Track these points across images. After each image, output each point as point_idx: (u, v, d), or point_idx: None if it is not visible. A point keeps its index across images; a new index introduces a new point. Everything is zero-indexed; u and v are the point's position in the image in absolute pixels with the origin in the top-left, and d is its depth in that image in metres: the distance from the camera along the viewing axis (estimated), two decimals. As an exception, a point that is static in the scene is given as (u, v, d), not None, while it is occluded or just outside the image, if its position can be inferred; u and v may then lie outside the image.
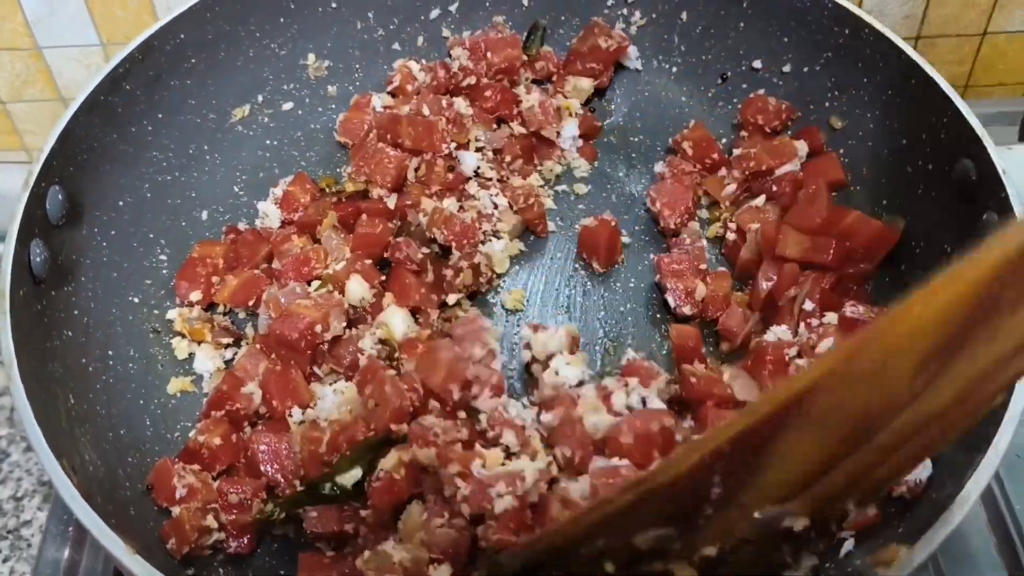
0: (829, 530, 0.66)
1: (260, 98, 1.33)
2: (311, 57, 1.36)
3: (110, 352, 1.11)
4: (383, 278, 1.17)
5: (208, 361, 1.15)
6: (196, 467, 1.03)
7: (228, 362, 1.16)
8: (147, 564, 0.81)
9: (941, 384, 0.56)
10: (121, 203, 1.18)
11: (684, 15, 1.34)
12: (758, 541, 0.65)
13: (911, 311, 0.56)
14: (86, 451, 0.99)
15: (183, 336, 1.17)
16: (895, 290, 1.14)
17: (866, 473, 0.62)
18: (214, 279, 1.20)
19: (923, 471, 0.95)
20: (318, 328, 1.07)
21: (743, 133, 1.31)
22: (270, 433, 1.05)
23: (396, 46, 1.39)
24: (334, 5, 1.34)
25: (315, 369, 1.11)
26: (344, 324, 1.11)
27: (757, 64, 1.31)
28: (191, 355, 1.16)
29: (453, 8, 1.39)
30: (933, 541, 0.82)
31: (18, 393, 0.90)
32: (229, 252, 1.21)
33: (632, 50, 1.37)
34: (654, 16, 1.36)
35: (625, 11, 1.37)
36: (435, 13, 1.39)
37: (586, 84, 1.36)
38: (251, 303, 1.17)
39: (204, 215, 1.27)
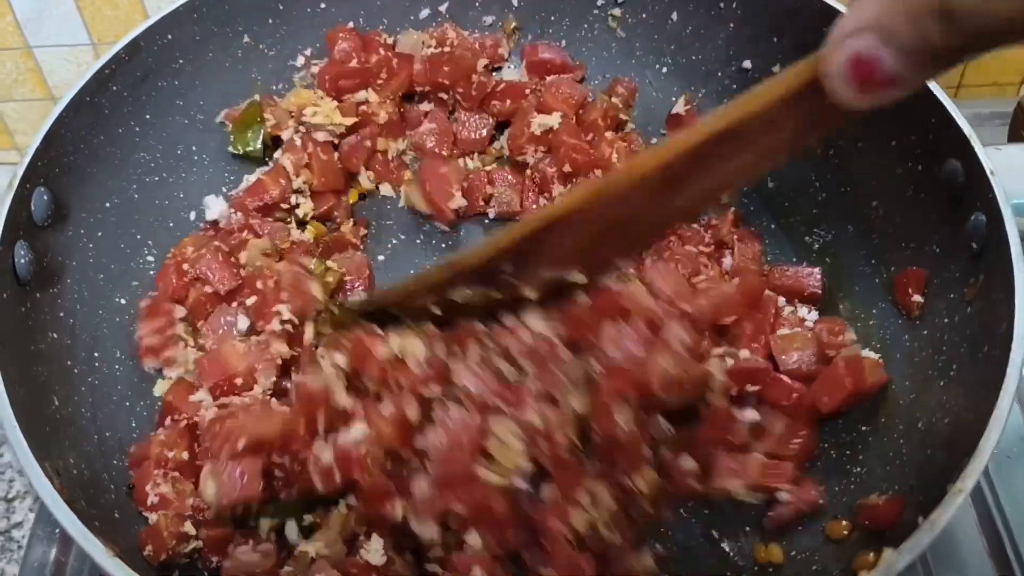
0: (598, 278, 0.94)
1: (248, 99, 1.33)
2: (300, 59, 1.36)
3: (96, 354, 1.11)
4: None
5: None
6: (176, 474, 1.02)
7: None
8: (127, 568, 0.80)
9: (670, 201, 0.82)
10: (108, 204, 1.18)
11: (674, 15, 1.34)
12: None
13: (640, 161, 0.81)
14: (70, 454, 0.98)
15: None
16: (884, 291, 1.14)
17: (622, 250, 0.91)
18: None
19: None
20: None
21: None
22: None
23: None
24: (323, 5, 1.34)
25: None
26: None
27: (747, 64, 1.31)
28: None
29: (443, 8, 1.38)
30: (918, 544, 0.82)
31: (0, 396, 0.90)
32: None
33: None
34: (644, 16, 1.35)
35: (616, 11, 1.37)
36: (425, 13, 1.38)
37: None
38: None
39: (192, 216, 1.26)
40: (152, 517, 0.99)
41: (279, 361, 1.07)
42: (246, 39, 1.31)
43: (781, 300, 1.18)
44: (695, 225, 1.25)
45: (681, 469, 0.95)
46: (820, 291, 1.18)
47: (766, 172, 0.80)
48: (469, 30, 1.39)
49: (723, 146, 0.75)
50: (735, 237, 1.24)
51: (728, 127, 0.74)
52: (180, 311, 1.16)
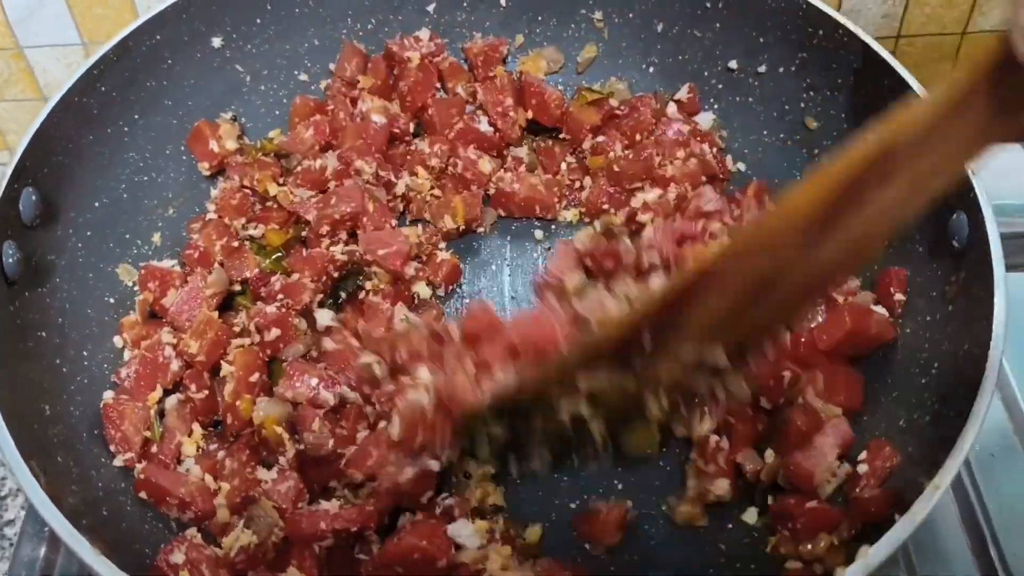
0: (745, 359, 0.85)
1: (236, 99, 1.33)
2: (288, 59, 1.36)
3: (85, 353, 1.12)
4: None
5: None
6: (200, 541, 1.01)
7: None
8: (112, 565, 0.81)
9: (832, 240, 0.73)
10: (97, 204, 1.19)
11: (660, 15, 1.35)
12: (688, 377, 0.84)
13: (788, 200, 0.74)
14: (58, 452, 0.99)
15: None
16: (867, 289, 1.14)
17: (773, 319, 0.82)
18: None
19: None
20: None
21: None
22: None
23: (373, 47, 1.39)
24: (311, 5, 1.34)
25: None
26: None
27: (733, 64, 1.31)
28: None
29: (431, 8, 1.39)
30: (895, 540, 0.82)
31: (-11, 396, 0.91)
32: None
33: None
34: (631, 16, 1.36)
35: (601, 12, 1.38)
36: (413, 14, 1.39)
37: None
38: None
39: (178, 215, 1.27)
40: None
41: None
42: (234, 39, 1.31)
43: None
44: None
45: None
46: None
47: (918, 211, 0.73)
48: (458, 32, 1.40)
49: (875, 173, 0.70)
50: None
51: (882, 148, 0.69)
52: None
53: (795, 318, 0.93)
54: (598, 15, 1.38)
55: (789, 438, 1.04)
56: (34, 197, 1.08)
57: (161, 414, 1.11)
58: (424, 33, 1.39)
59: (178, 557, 0.96)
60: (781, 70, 1.27)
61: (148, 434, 1.08)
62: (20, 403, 0.97)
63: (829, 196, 0.71)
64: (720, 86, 1.33)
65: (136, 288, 1.19)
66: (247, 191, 1.27)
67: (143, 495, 1.03)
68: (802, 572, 0.94)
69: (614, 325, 0.86)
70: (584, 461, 0.94)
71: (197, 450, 1.09)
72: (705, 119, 1.34)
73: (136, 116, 1.24)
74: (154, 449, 1.08)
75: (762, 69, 1.29)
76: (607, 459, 0.93)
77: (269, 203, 1.27)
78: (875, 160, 0.70)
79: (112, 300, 1.18)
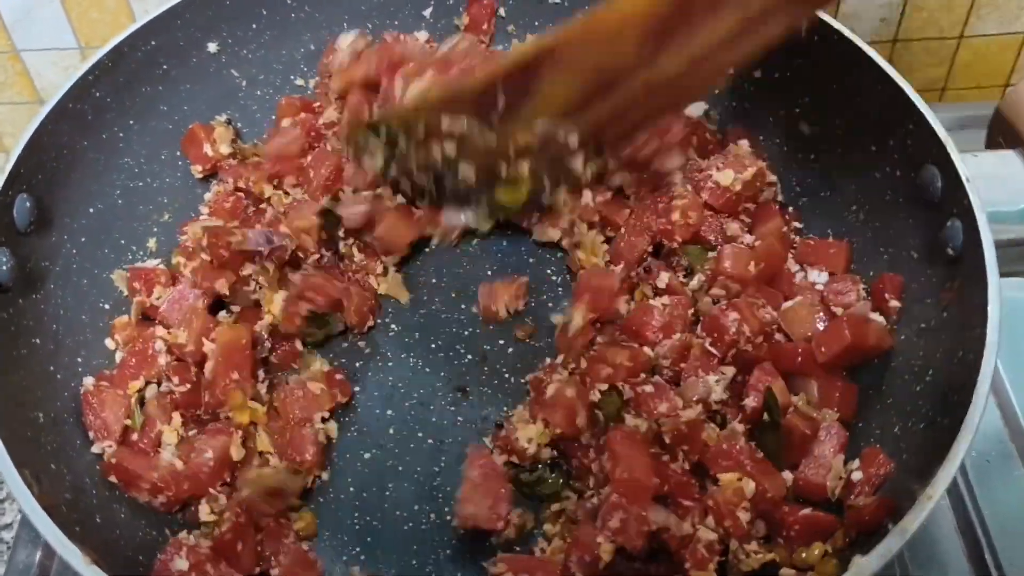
0: (601, 152, 1.01)
1: (232, 104, 1.34)
2: (284, 63, 1.37)
3: (79, 360, 1.11)
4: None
5: None
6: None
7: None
8: (104, 574, 0.81)
9: (667, 55, 0.85)
10: (91, 209, 1.19)
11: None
12: (545, 149, 0.98)
13: (621, 2, 0.85)
14: (51, 460, 0.99)
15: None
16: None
17: (619, 115, 0.93)
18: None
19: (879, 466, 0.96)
20: None
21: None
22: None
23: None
24: (307, 10, 1.34)
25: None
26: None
27: (728, 69, 1.31)
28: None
29: (427, 13, 1.39)
30: (888, 551, 0.82)
31: (-19, 403, 0.91)
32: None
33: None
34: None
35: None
36: (410, 18, 1.39)
37: None
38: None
39: (174, 221, 1.26)
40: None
41: None
42: (230, 44, 1.31)
43: (794, 267, 1.19)
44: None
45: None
46: None
47: (755, 51, 0.85)
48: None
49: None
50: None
51: None
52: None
53: (643, 125, 1.05)
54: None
55: (793, 447, 1.03)
56: (28, 203, 1.08)
57: (142, 403, 1.10)
58: (423, 35, 1.39)
59: (181, 564, 0.94)
60: (776, 75, 1.27)
61: (128, 422, 1.07)
62: (13, 410, 0.97)
63: (659, 9, 0.82)
64: (715, 90, 1.33)
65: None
66: (240, 194, 1.27)
67: (113, 479, 1.02)
68: None
69: (472, 78, 1.00)
70: (459, 197, 1.14)
71: (178, 439, 1.08)
72: (697, 107, 1.32)
73: (131, 121, 1.24)
74: (134, 437, 1.07)
75: (757, 74, 1.29)
76: (482, 208, 1.15)
77: (263, 205, 1.27)
78: None
79: (107, 306, 1.17)
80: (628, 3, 0.86)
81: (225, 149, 1.29)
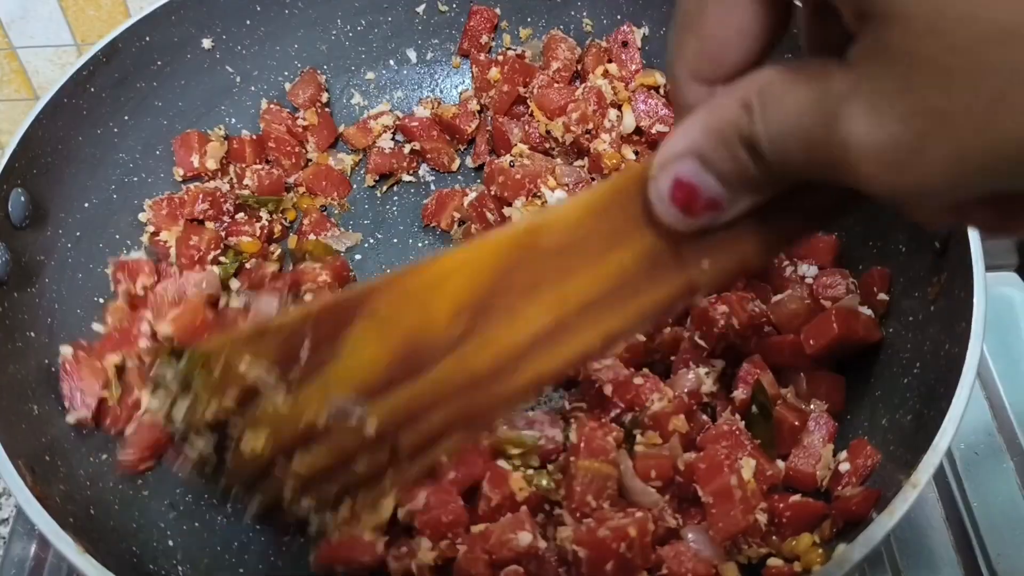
0: (397, 461, 0.69)
1: (227, 99, 1.34)
2: (278, 60, 1.37)
3: (74, 353, 1.12)
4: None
5: None
6: None
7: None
8: (97, 564, 0.82)
9: (475, 342, 0.63)
10: (86, 204, 1.19)
11: (647, 20, 1.35)
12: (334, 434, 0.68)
13: (450, 258, 0.65)
14: (46, 452, 1.00)
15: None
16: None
17: (420, 413, 0.67)
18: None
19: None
20: None
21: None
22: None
23: (363, 48, 1.40)
24: (300, 7, 1.35)
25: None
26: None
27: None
28: (155, 355, 1.17)
29: (420, 9, 1.39)
30: (872, 539, 0.83)
31: (-24, 396, 0.92)
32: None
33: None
34: (618, 18, 1.36)
35: (589, 16, 1.38)
36: (403, 15, 1.39)
37: None
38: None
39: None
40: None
41: None
42: (224, 40, 1.32)
43: (784, 260, 1.18)
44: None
45: None
46: None
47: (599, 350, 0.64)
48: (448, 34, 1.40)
49: (520, 271, 0.62)
50: None
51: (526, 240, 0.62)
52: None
53: (441, 439, 0.70)
54: (587, 19, 1.39)
55: (783, 437, 1.04)
56: (23, 198, 1.09)
57: (120, 374, 1.10)
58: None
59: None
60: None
61: (106, 394, 1.07)
62: (8, 403, 0.98)
63: (487, 276, 0.63)
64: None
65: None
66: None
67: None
68: (783, 570, 0.94)
69: (286, 315, 0.83)
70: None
71: None
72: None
73: (126, 117, 1.24)
74: (111, 404, 1.08)
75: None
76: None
77: (242, 215, 1.28)
78: (520, 255, 0.62)
79: (101, 300, 1.18)
80: (449, 260, 0.66)
81: (212, 164, 1.28)
